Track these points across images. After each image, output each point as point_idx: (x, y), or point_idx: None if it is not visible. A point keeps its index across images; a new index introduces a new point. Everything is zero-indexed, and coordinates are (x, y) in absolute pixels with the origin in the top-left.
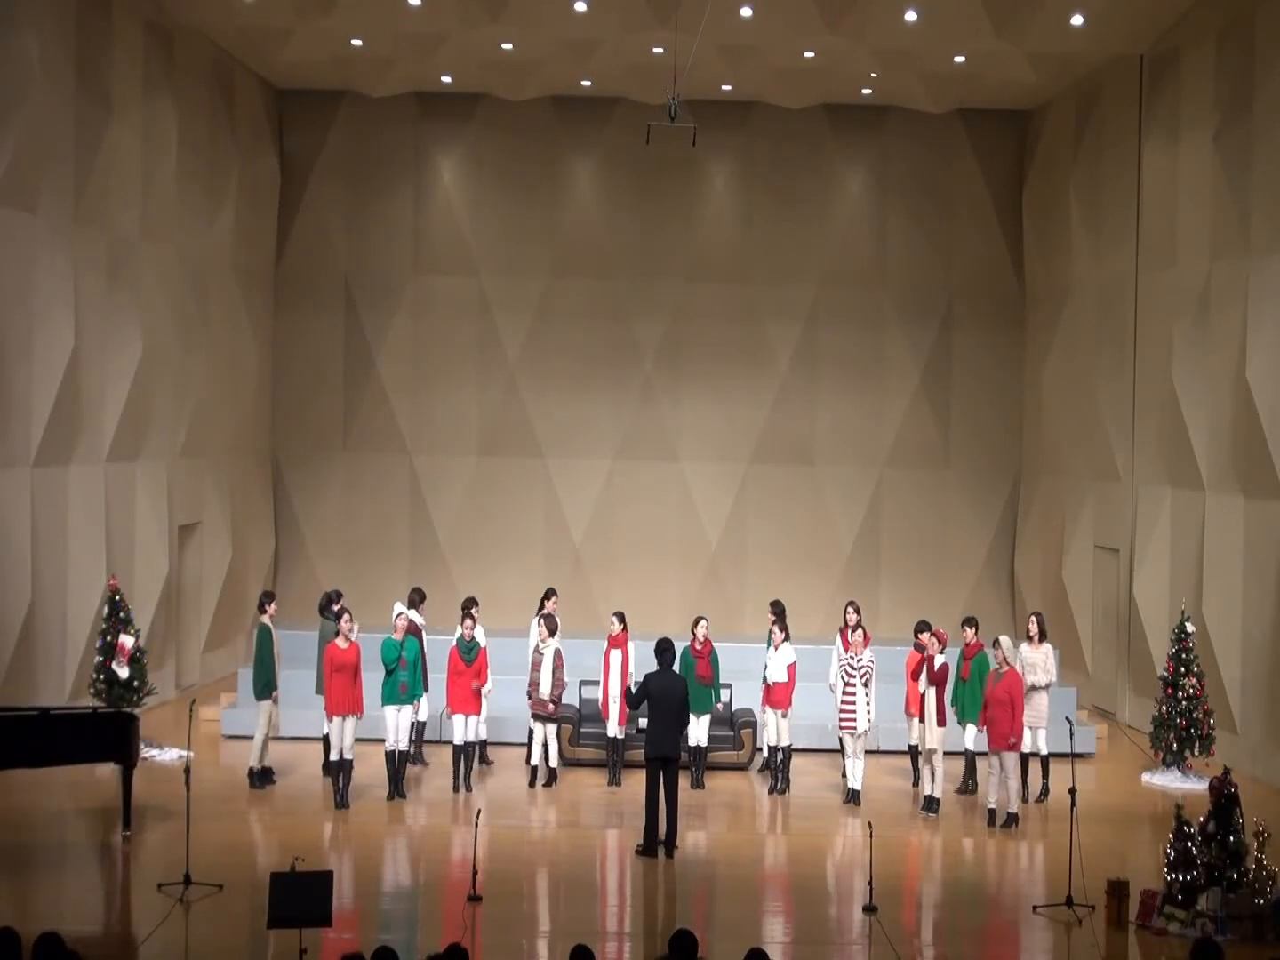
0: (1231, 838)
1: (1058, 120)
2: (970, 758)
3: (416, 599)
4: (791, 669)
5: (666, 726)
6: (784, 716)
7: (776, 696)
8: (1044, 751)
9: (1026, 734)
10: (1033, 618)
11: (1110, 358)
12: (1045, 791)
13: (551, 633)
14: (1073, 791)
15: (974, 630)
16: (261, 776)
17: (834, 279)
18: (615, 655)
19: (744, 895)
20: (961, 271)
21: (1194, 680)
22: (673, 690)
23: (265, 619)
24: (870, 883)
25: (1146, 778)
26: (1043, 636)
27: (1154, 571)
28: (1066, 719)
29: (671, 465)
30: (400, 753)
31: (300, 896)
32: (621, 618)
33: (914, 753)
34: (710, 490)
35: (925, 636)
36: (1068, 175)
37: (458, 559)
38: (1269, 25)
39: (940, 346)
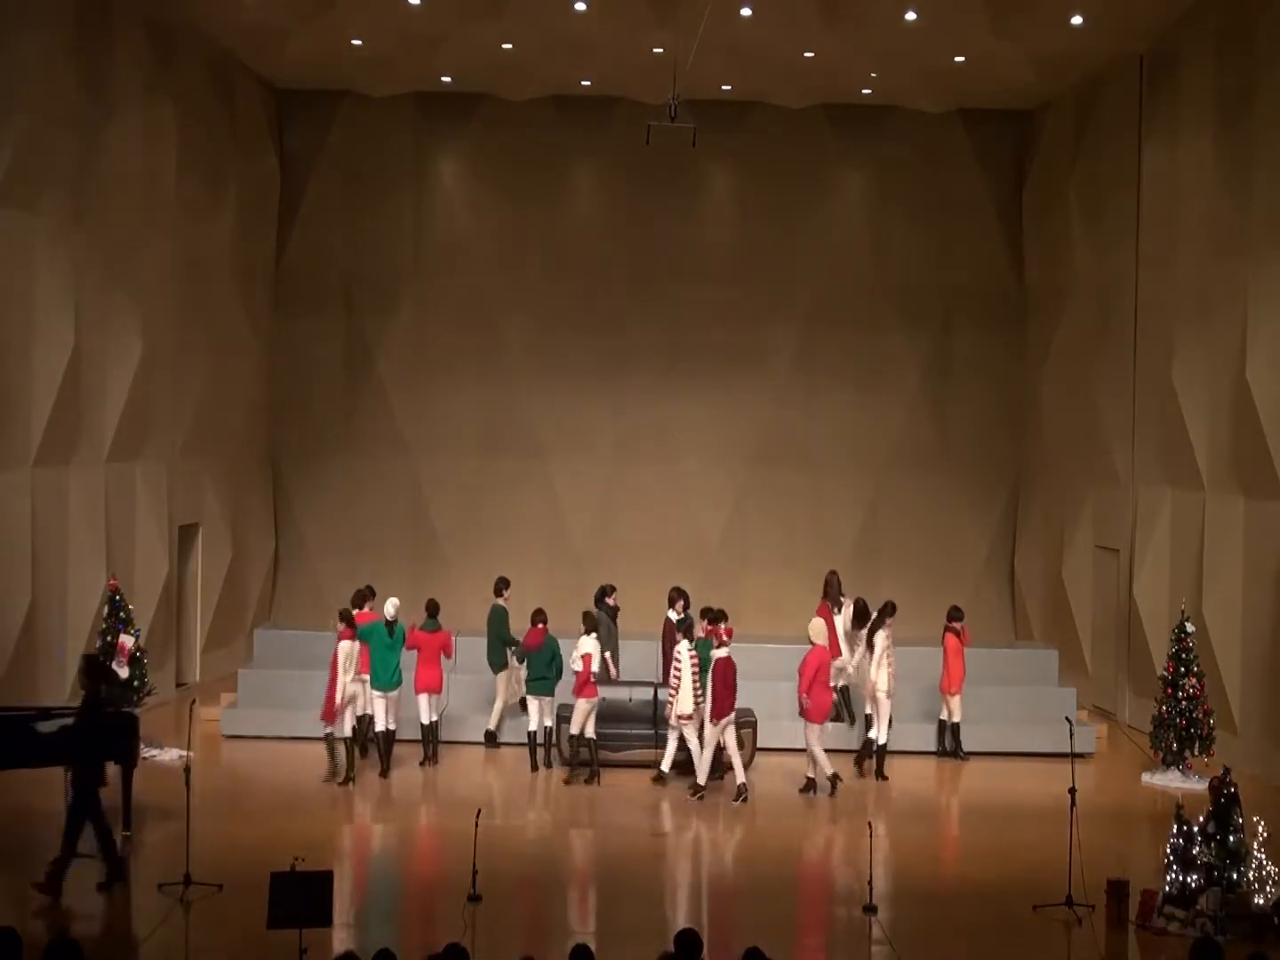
0: (1231, 838)
1: (1058, 120)
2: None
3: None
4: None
5: None
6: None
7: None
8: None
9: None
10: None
11: (1110, 358)
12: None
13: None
14: (1072, 791)
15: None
16: (490, 739)
17: (833, 279)
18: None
19: (742, 894)
20: (961, 272)
21: (1194, 680)
22: None
23: (500, 602)
24: (870, 883)
25: (1146, 778)
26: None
27: (1154, 571)
28: (1066, 719)
29: (671, 465)
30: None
31: (300, 896)
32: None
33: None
34: (710, 490)
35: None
36: (1068, 175)
37: (458, 559)
38: (1269, 25)
39: (940, 347)
